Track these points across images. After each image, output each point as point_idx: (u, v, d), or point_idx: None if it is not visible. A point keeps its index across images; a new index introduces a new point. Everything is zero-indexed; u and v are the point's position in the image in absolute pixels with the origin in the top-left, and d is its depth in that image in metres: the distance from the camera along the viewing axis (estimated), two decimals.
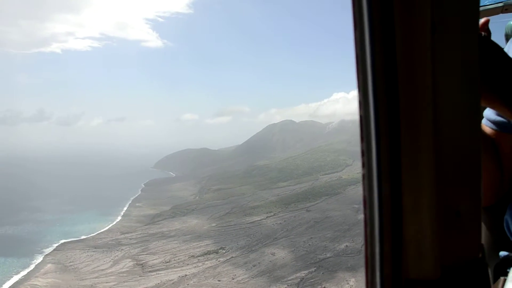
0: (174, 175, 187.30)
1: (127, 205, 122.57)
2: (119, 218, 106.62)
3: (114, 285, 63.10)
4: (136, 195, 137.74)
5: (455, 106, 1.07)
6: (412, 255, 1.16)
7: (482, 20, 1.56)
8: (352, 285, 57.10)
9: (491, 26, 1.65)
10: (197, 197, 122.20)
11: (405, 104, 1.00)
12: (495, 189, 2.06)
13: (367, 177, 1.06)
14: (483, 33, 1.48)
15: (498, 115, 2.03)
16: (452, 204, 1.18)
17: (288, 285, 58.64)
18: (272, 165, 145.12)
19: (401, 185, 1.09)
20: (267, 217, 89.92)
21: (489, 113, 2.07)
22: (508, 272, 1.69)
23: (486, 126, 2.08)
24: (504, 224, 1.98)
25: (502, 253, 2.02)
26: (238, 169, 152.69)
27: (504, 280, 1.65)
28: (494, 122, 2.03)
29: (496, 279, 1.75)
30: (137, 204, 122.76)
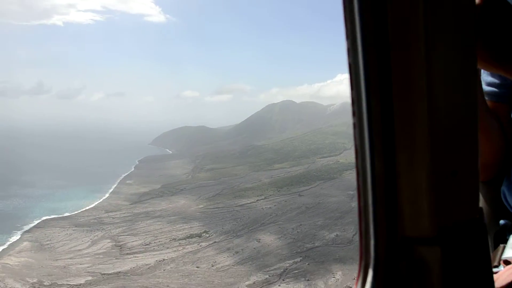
0: (171, 152, 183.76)
1: (117, 182, 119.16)
2: (107, 195, 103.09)
3: (88, 267, 59.69)
4: (128, 172, 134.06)
5: (449, 65, 1.04)
6: (408, 214, 1.13)
7: None
8: (338, 279, 53.22)
9: None
10: (190, 176, 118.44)
11: (397, 63, 0.98)
12: (498, 160, 2.05)
13: (358, 127, 1.04)
14: None
15: (492, 85, 2.08)
16: (448, 163, 1.13)
17: (269, 276, 54.86)
18: (268, 146, 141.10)
19: (394, 142, 1.04)
20: (257, 200, 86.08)
21: (483, 84, 2.08)
22: (507, 240, 1.78)
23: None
24: (502, 195, 2.04)
25: (502, 222, 2.05)
26: (233, 149, 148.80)
27: (504, 247, 1.72)
28: (488, 93, 2.06)
29: (496, 246, 1.81)
30: (127, 181, 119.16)
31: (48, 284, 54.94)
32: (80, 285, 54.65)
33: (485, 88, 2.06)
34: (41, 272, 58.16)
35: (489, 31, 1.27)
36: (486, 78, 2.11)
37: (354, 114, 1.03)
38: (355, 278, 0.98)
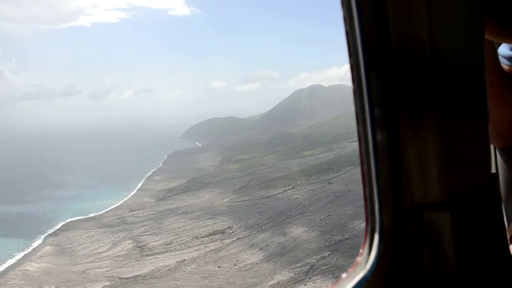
0: (200, 145, 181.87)
1: (144, 179, 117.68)
2: (133, 192, 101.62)
3: (106, 271, 57.39)
4: (156, 168, 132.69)
5: (453, 24, 0.98)
6: (416, 179, 1.07)
7: None
8: None
9: None
10: (218, 169, 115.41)
11: (397, 23, 0.91)
12: None
13: (357, 93, 1.01)
14: None
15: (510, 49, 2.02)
16: (457, 128, 1.08)
17: (295, 273, 50.72)
18: (297, 133, 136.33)
19: (397, 107, 0.99)
20: (284, 191, 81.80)
21: (502, 50, 2.02)
22: None
23: (502, 64, 2.01)
24: None
25: None
26: (262, 138, 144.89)
27: None
28: (508, 58, 2.00)
29: None
30: (154, 178, 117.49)
31: None
32: None
33: (503, 52, 1.93)
34: (60, 278, 56.25)
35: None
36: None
37: (353, 80, 1.01)
38: (362, 243, 1.01)
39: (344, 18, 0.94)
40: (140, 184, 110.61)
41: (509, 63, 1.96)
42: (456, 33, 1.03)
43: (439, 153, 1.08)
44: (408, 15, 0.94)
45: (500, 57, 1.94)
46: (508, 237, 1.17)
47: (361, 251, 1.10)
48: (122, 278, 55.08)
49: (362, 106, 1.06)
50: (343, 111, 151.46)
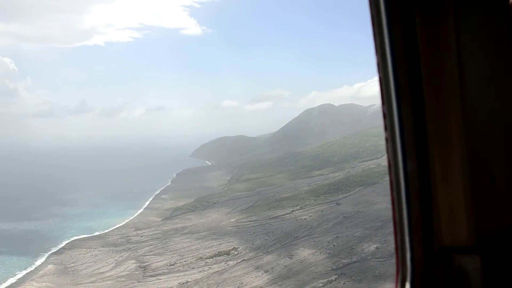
0: (210, 163, 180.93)
1: (152, 197, 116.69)
2: (140, 211, 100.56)
3: None
4: (165, 186, 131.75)
5: (482, 64, 0.97)
6: (445, 221, 1.07)
7: None
8: None
9: None
10: (226, 188, 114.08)
11: (428, 64, 0.94)
12: None
13: (390, 140, 0.99)
14: None
15: None
16: (486, 168, 1.07)
17: None
18: (307, 152, 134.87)
19: (427, 148, 0.99)
20: (292, 211, 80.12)
21: None
22: None
23: None
24: None
25: None
26: (271, 157, 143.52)
27: None
28: None
29: None
30: (162, 196, 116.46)
31: None
32: None
33: None
34: None
35: None
36: None
37: (386, 128, 0.97)
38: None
39: (378, 65, 0.93)
40: (147, 203, 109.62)
41: None
42: (485, 73, 1.00)
43: (469, 194, 1.05)
44: (439, 55, 0.94)
45: None
46: None
47: None
48: None
49: (395, 153, 1.04)
50: (354, 130, 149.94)
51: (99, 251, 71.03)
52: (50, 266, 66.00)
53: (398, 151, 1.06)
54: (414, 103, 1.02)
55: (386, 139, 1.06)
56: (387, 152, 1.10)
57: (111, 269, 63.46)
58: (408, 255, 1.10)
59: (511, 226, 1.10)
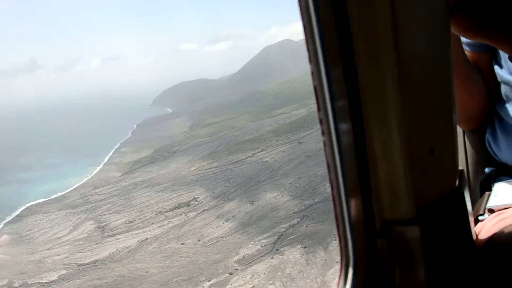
0: (171, 111, 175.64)
1: (112, 151, 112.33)
2: (100, 168, 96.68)
3: (64, 257, 53.50)
4: (125, 139, 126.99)
5: (418, 24, 0.91)
6: (386, 198, 1.04)
7: None
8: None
9: None
10: (187, 135, 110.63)
11: (359, 27, 0.87)
12: (482, 111, 2.08)
13: (325, 121, 0.93)
14: None
15: None
16: (425, 141, 1.03)
17: (261, 246, 47.47)
18: (268, 91, 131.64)
19: (362, 122, 0.94)
20: (253, 154, 78.02)
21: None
22: (492, 187, 1.81)
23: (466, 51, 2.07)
24: (486, 143, 2.10)
25: (487, 169, 2.09)
26: (232, 99, 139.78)
27: (489, 195, 1.74)
28: (468, 44, 2.05)
29: (482, 194, 1.85)
30: (122, 150, 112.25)
31: (18, 285, 48.99)
32: (52, 282, 48.54)
33: (463, 38, 1.96)
34: (14, 271, 52.25)
35: None
36: None
37: (315, 89, 0.93)
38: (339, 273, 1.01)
39: (304, 27, 0.89)
40: (107, 158, 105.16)
41: (468, 49, 2.02)
42: (421, 34, 0.96)
43: (408, 169, 1.02)
44: (372, 16, 0.89)
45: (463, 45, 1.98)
46: (472, 232, 1.18)
47: (337, 282, 1.08)
48: (80, 264, 51.34)
49: (330, 135, 0.97)
50: None
51: (56, 215, 67.86)
52: (4, 237, 62.71)
53: (329, 112, 0.97)
54: (343, 61, 0.98)
55: (317, 104, 0.99)
56: (318, 116, 1.01)
57: (68, 233, 60.76)
58: (350, 242, 1.10)
59: (449, 192, 1.16)
